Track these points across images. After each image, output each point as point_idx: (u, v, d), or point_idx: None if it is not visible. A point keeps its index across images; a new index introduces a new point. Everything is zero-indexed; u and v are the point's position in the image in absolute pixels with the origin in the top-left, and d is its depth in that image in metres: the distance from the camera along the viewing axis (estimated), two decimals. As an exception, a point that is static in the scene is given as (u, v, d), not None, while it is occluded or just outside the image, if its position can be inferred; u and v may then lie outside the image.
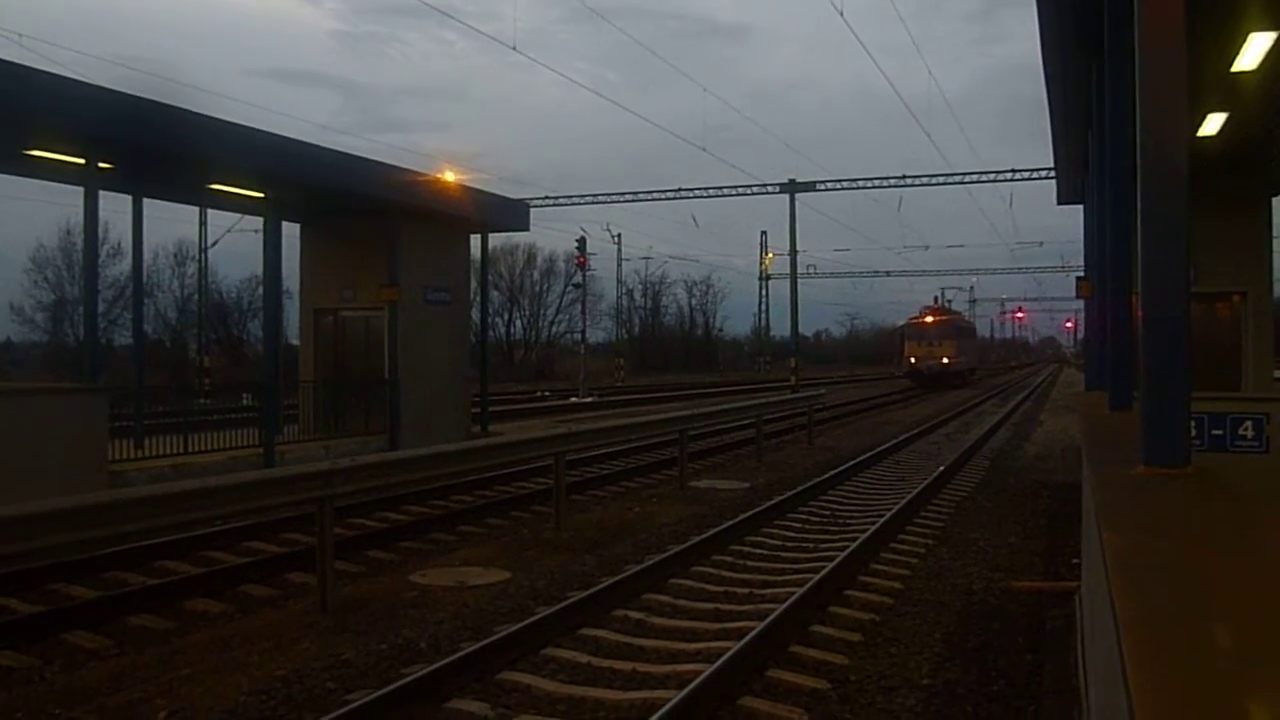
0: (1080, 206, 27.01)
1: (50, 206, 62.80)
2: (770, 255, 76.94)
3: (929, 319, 63.23)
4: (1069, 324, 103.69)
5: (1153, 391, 5.46)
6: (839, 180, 49.74)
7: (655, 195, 51.97)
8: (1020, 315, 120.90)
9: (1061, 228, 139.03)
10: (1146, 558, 3.44)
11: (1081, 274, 22.49)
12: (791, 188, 49.57)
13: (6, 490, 9.45)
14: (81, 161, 14.35)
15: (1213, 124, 15.23)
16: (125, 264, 39.05)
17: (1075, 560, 9.84)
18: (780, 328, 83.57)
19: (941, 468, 17.73)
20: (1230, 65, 12.38)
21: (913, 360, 61.58)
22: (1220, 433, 7.68)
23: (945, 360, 60.78)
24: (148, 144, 14.28)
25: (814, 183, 49.79)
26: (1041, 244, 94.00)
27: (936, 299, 77.31)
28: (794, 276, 52.77)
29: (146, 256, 22.84)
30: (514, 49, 35.78)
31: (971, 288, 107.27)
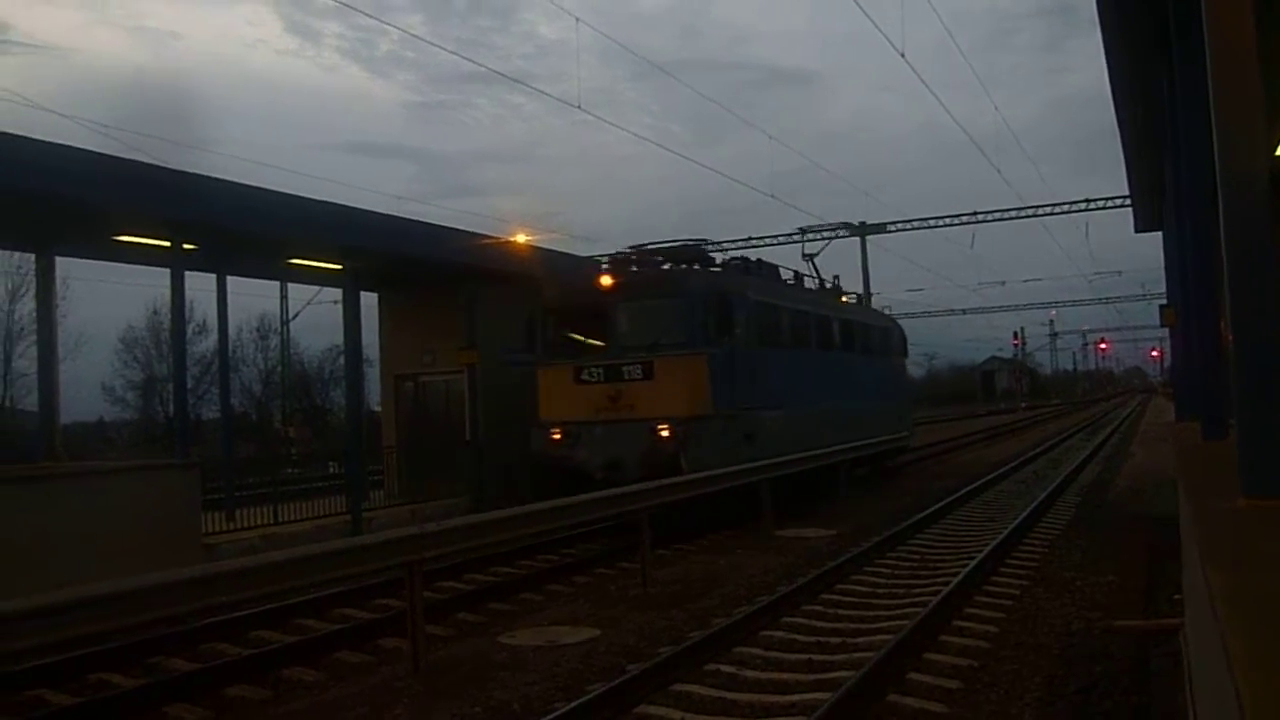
0: (1159, 233, 26.54)
1: (136, 288, 64.66)
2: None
3: (605, 280, 18.27)
4: (1155, 353, 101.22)
5: (1249, 419, 5.31)
6: (909, 220, 49.38)
7: (725, 244, 51.97)
8: (1104, 346, 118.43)
9: (1141, 255, 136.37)
10: (1257, 594, 3.33)
11: (1165, 302, 22.06)
12: (861, 230, 49.33)
13: (108, 566, 9.69)
14: (168, 244, 14.83)
15: (1293, 141, 14.88)
16: (210, 340, 40.11)
17: (1177, 596, 9.54)
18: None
19: (1031, 506, 17.36)
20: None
21: (555, 433, 17.49)
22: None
23: (664, 425, 16.55)
24: (231, 225, 14.73)
25: (884, 224, 49.48)
26: (1120, 273, 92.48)
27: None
28: (868, 319, 52.25)
29: (230, 332, 23.42)
30: (579, 108, 36.15)
31: (1051, 321, 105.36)
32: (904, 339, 31.54)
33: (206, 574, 7.71)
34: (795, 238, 27.37)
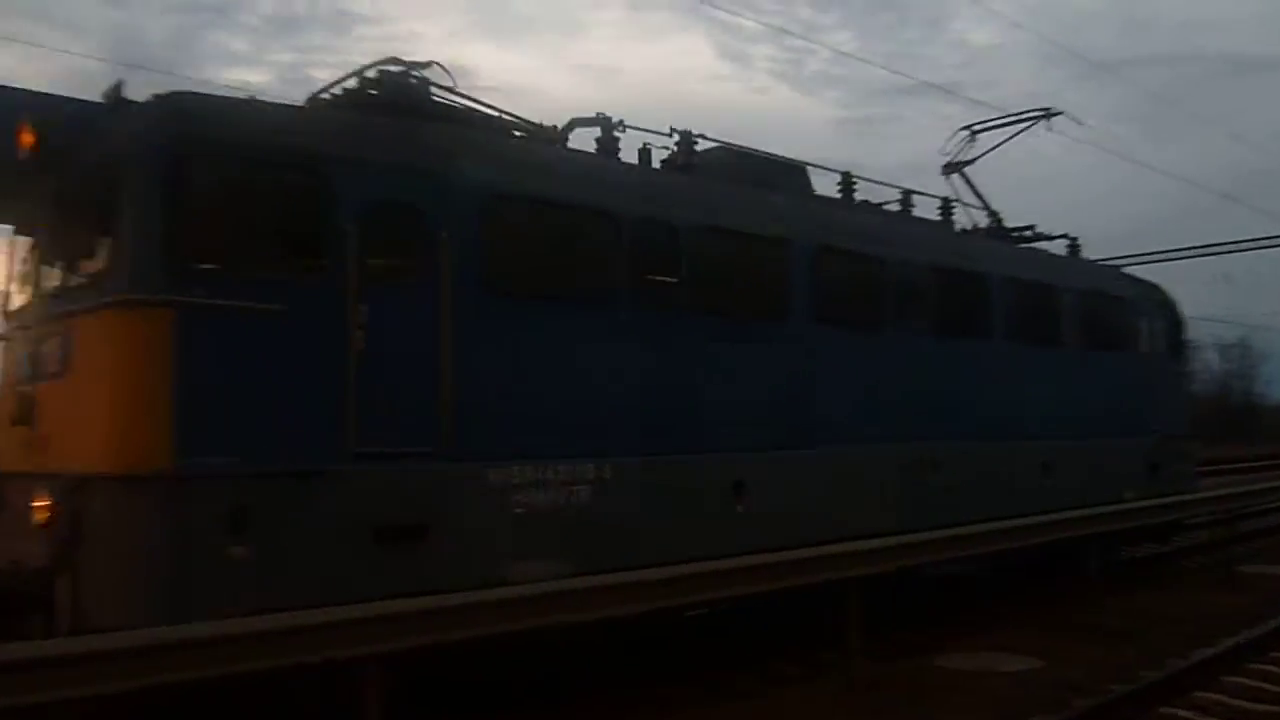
0: None
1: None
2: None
3: (26, 136, 6.92)
4: None
5: None
6: None
7: (1176, 254, 47.63)
8: None
9: None
10: None
11: None
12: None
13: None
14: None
15: None
16: None
17: None
18: (1338, 389, 72.50)
19: None
20: None
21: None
22: None
23: (42, 501, 6.77)
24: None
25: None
26: None
27: None
28: (1352, 331, 46.15)
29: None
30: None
31: None
32: (1175, 321, 16.91)
33: (638, 580, 7.99)
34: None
